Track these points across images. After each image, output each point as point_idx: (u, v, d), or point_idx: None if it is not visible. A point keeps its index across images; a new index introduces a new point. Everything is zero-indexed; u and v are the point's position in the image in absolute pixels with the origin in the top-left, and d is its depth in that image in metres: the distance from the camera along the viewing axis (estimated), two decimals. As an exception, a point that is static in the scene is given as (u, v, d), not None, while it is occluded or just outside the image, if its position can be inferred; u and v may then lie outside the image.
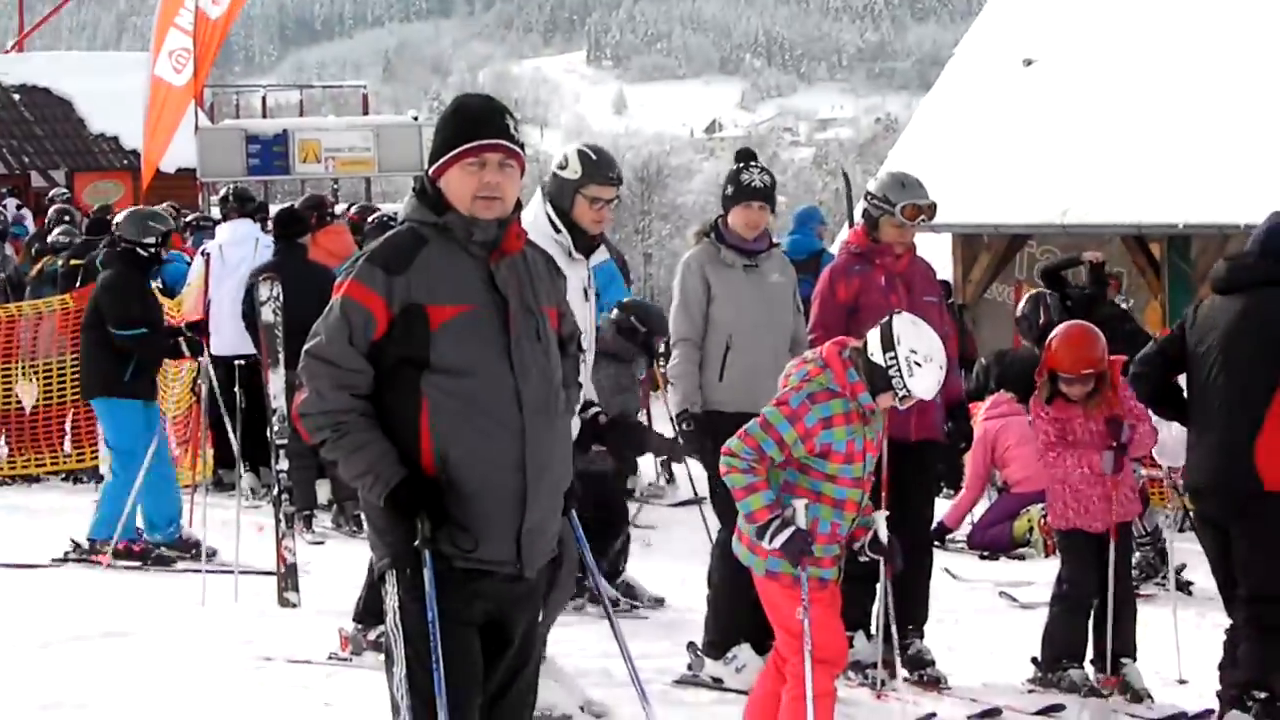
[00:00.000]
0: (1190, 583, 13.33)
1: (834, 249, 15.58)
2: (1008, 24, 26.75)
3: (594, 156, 9.20)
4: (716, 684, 10.18)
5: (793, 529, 7.65)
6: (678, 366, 10.20)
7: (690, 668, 10.35)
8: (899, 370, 7.76)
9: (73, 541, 13.89)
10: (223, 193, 18.33)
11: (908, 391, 7.78)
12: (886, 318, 8.01)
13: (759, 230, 10.39)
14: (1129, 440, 9.88)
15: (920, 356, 7.81)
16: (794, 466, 7.82)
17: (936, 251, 22.64)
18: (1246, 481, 8.90)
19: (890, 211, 10.35)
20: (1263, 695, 8.95)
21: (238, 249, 16.22)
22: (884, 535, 7.90)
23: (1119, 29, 24.98)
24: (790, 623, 7.86)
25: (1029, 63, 25.60)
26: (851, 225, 10.97)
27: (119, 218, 14.41)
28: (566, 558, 8.25)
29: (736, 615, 10.19)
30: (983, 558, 14.69)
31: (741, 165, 10.42)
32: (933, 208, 10.46)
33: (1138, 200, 22.52)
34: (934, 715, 9.86)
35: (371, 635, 10.13)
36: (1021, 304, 13.46)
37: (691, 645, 10.45)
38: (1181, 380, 9.44)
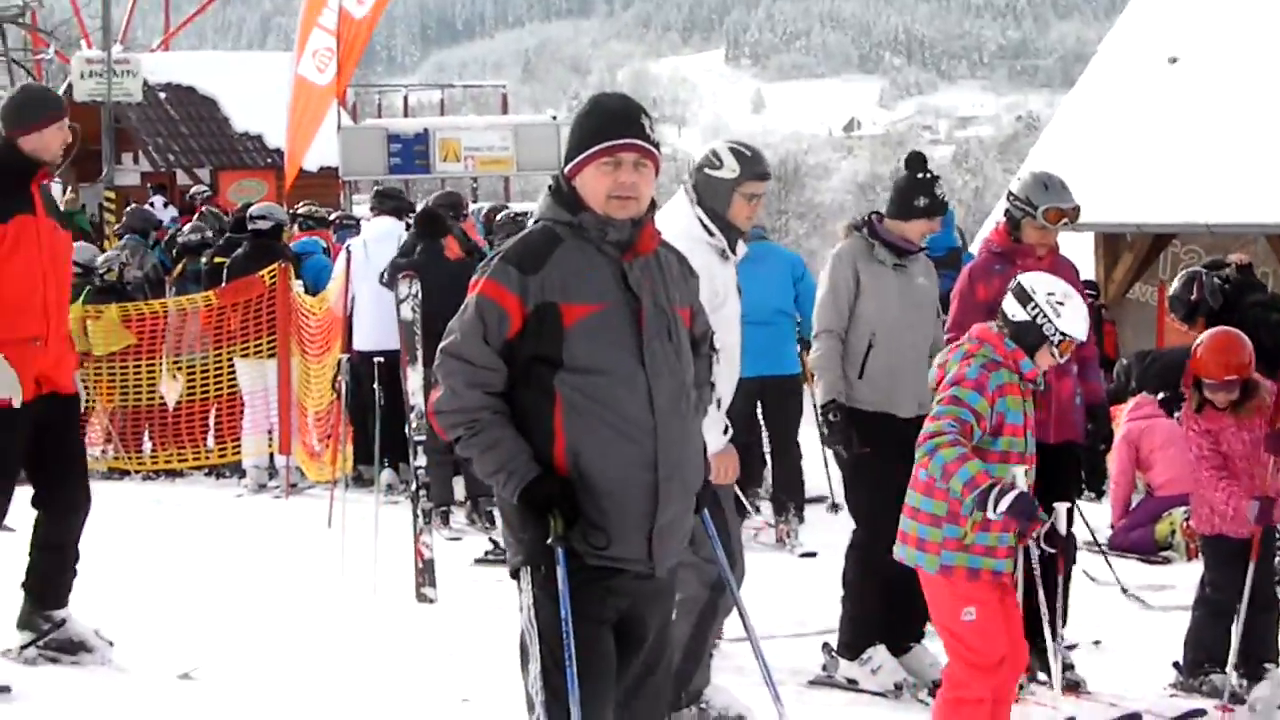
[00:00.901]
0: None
1: (973, 248, 15.52)
2: (1152, 21, 26.51)
3: (748, 153, 9.17)
4: (851, 685, 10.09)
5: (1017, 491, 7.54)
6: (822, 358, 10.13)
7: (825, 668, 10.30)
8: (1045, 315, 7.79)
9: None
10: (375, 190, 18.43)
11: (1061, 334, 7.77)
12: (1014, 280, 8.02)
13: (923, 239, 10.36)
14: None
15: (1060, 295, 7.86)
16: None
17: (1078, 250, 22.50)
18: None
19: (1032, 214, 10.26)
20: None
21: (382, 245, 16.30)
22: (1062, 528, 7.82)
23: (1265, 26, 24.71)
24: (954, 624, 7.83)
25: (1174, 60, 25.38)
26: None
27: None
28: (710, 557, 8.24)
29: (871, 616, 10.17)
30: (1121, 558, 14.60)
31: (917, 176, 10.30)
32: (1076, 211, 10.35)
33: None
34: (1074, 718, 9.81)
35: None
36: (1175, 282, 13.27)
37: (826, 646, 10.41)
38: None
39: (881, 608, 10.13)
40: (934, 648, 10.51)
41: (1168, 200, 23.28)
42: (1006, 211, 10.55)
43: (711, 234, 8.94)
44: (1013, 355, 7.80)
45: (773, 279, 14.05)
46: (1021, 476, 7.64)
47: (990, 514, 7.55)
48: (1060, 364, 8.17)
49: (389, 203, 18.17)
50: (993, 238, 10.62)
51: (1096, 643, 11.12)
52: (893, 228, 10.19)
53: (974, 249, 14.61)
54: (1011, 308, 7.89)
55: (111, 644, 10.37)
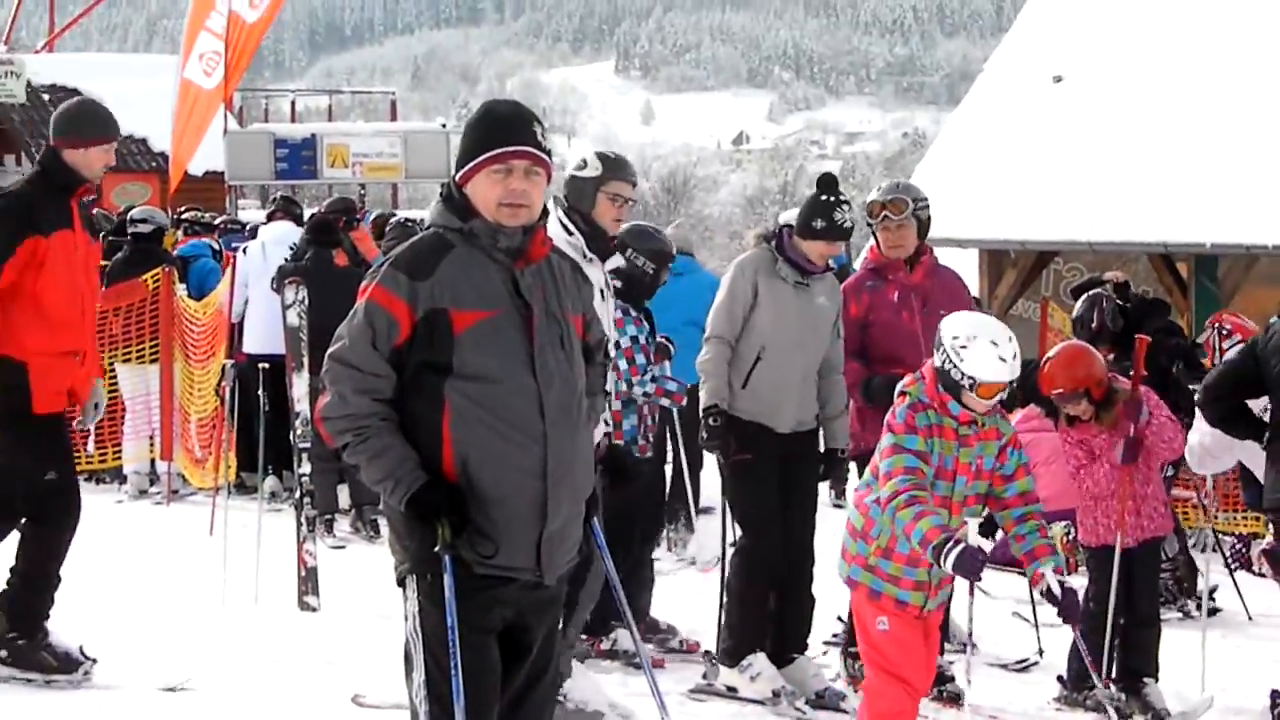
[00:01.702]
0: (1219, 608, 13.30)
1: (856, 263, 15.60)
2: (1038, 40, 26.70)
3: (612, 156, 9.45)
4: (731, 693, 10.15)
5: (962, 546, 7.53)
6: (709, 362, 10.13)
7: (705, 676, 10.33)
8: (950, 361, 7.73)
9: None
10: (275, 197, 18.36)
11: (968, 378, 7.68)
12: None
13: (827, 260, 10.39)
14: (1145, 426, 9.88)
15: (964, 338, 7.78)
16: None
17: (963, 267, 22.64)
18: None
19: (878, 222, 10.51)
20: None
21: (279, 248, 16.26)
22: (1056, 588, 7.76)
23: (1149, 47, 24.92)
24: (870, 632, 7.87)
25: (1059, 79, 25.55)
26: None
27: None
28: (594, 565, 8.24)
29: (752, 624, 10.20)
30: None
31: (830, 199, 10.31)
32: (900, 203, 10.50)
33: (1165, 219, 22.47)
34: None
35: None
36: (1079, 305, 13.32)
37: (707, 654, 10.45)
38: (1252, 403, 9.43)
39: (762, 615, 10.18)
40: (819, 660, 10.60)
41: (1051, 218, 23.44)
42: (865, 218, 10.65)
43: (570, 233, 9.08)
44: (940, 399, 7.79)
45: (689, 295, 13.98)
46: (974, 531, 7.67)
47: (942, 568, 7.58)
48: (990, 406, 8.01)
49: (291, 207, 18.14)
50: (869, 255, 10.74)
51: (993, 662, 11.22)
52: (809, 251, 10.23)
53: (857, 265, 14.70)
54: (936, 356, 7.87)
55: (94, 661, 10.24)
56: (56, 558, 10.20)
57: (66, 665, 10.08)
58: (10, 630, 10.03)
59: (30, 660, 10.01)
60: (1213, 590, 13.34)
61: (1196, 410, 10.14)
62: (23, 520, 10.17)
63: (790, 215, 11.19)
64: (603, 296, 9.11)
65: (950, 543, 7.52)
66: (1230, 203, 21.91)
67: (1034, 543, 7.86)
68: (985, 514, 8.16)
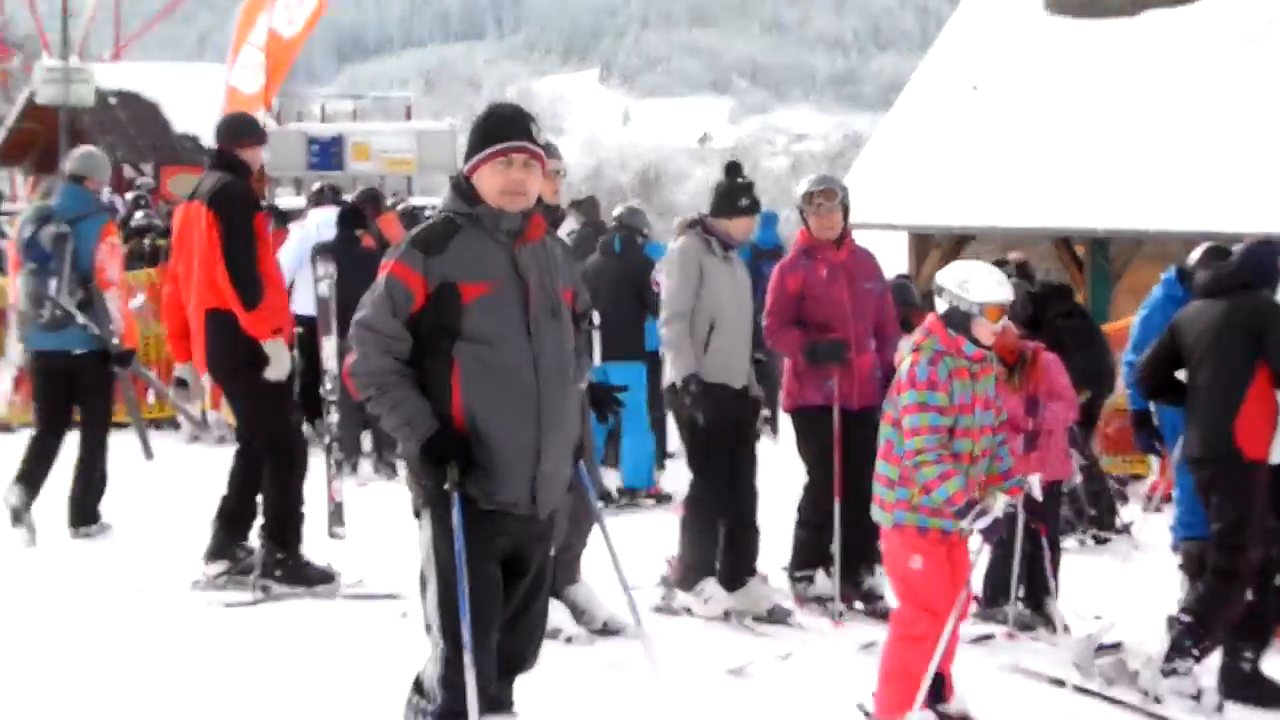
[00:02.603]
0: (1107, 538, 13.37)
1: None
2: (957, 55, 26.68)
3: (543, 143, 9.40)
4: (686, 612, 10.18)
5: (992, 517, 7.51)
6: (679, 339, 10.10)
7: (663, 599, 10.34)
8: (956, 297, 7.68)
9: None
10: (317, 186, 18.29)
11: (978, 304, 7.62)
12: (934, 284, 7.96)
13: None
14: (1039, 423, 9.92)
15: (963, 275, 7.76)
16: None
17: (893, 248, 22.67)
18: (1226, 449, 8.92)
19: (805, 205, 10.53)
20: (1187, 619, 8.95)
21: (326, 228, 16.18)
22: (1000, 511, 7.61)
23: (1051, 61, 24.95)
24: (904, 571, 7.74)
25: (975, 88, 25.55)
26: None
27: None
28: (580, 500, 8.24)
29: (704, 555, 10.23)
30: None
31: (738, 180, 10.38)
32: (830, 191, 10.53)
33: (1065, 207, 22.53)
34: (874, 644, 9.89)
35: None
36: None
37: (665, 579, 10.44)
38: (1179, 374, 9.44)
39: (712, 547, 10.20)
40: (773, 583, 10.60)
41: (969, 206, 23.46)
42: (798, 207, 10.68)
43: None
44: (954, 342, 7.69)
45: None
46: (1001, 502, 7.59)
47: (965, 526, 7.53)
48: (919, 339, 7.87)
49: (336, 195, 18.16)
50: (799, 238, 10.72)
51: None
52: (718, 225, 10.23)
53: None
54: (938, 305, 7.80)
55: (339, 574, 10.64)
56: (302, 488, 10.59)
57: (325, 578, 10.51)
58: (279, 554, 10.36)
59: (299, 576, 10.42)
60: (1127, 525, 13.41)
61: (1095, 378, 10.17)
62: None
63: None
64: None
65: (976, 508, 7.50)
66: (1121, 193, 21.96)
67: (998, 468, 7.83)
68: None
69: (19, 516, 11.99)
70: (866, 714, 8.00)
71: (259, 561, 10.43)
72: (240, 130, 10.71)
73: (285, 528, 10.45)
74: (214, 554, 10.61)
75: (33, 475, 12.14)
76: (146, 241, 19.21)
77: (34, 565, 11.39)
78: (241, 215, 10.22)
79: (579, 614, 9.56)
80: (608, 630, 9.49)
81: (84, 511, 12.30)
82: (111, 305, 12.13)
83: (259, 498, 10.60)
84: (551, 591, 9.37)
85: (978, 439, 7.71)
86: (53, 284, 11.89)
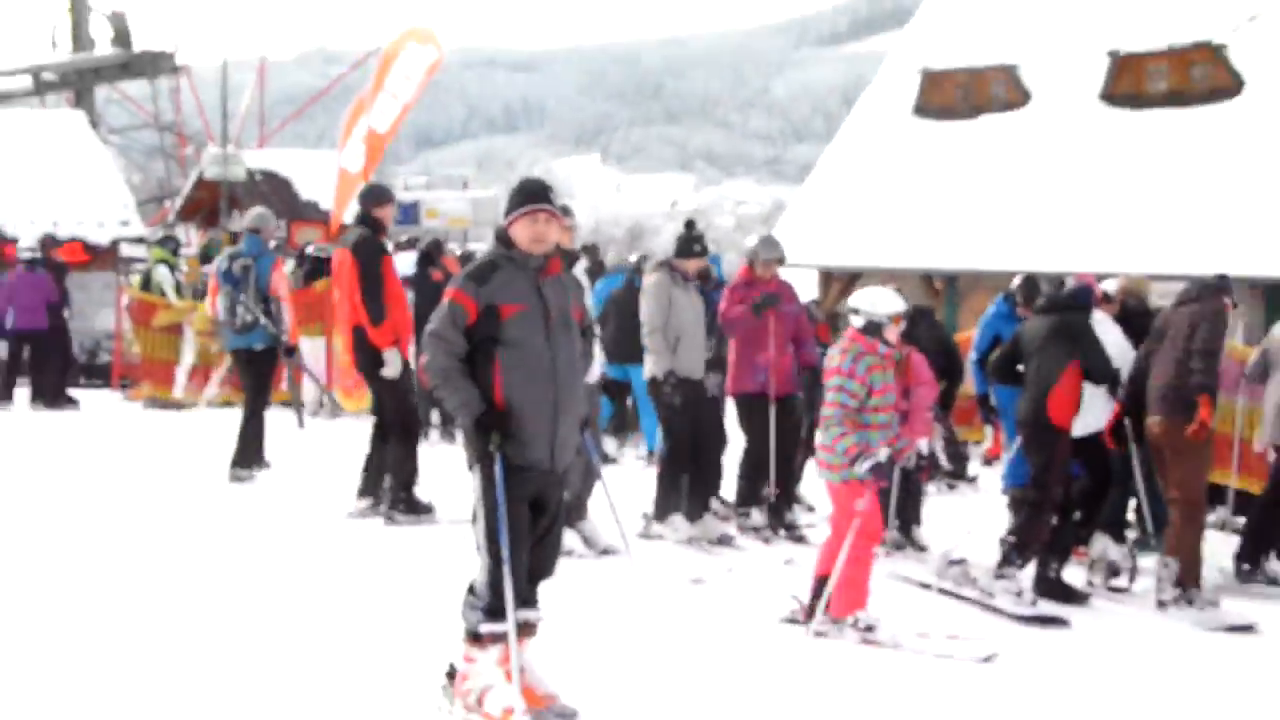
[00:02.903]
0: (953, 485, 13.37)
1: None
2: (851, 147, 26.70)
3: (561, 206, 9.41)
4: (659, 537, 10.13)
5: (874, 461, 7.47)
6: (656, 346, 10.12)
7: (644, 528, 10.31)
8: (867, 313, 7.71)
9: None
10: (403, 239, 18.31)
11: (885, 315, 7.67)
12: (847, 305, 7.97)
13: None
14: (912, 403, 9.89)
15: (871, 297, 7.78)
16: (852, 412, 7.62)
17: (807, 280, 22.66)
18: (1041, 418, 8.98)
19: (755, 260, 10.61)
20: (1012, 539, 9.00)
21: (407, 266, 16.09)
22: (883, 456, 7.57)
23: (916, 152, 24.97)
24: (852, 511, 7.59)
25: (864, 168, 25.55)
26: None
27: None
28: (585, 460, 8.21)
29: (673, 496, 10.23)
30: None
31: (693, 233, 10.47)
32: (782, 259, 10.67)
33: (927, 253, 22.56)
34: (792, 560, 9.87)
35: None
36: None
37: (645, 515, 10.42)
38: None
39: (678, 493, 10.20)
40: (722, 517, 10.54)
41: (859, 251, 23.50)
42: (749, 256, 10.68)
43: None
44: (871, 345, 7.68)
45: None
46: (884, 452, 7.55)
47: (857, 471, 7.49)
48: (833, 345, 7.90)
49: (411, 244, 18.09)
50: (742, 272, 10.74)
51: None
52: (680, 264, 10.26)
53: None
54: (854, 320, 7.80)
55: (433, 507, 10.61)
56: (416, 450, 10.68)
57: (428, 510, 10.55)
58: (401, 494, 10.44)
59: (413, 509, 10.49)
60: (973, 477, 13.43)
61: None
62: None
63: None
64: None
65: (862, 458, 7.48)
66: (965, 244, 21.98)
67: (889, 433, 7.74)
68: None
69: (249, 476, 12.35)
70: (799, 602, 7.95)
71: (387, 498, 10.51)
72: (377, 196, 10.88)
73: (404, 476, 10.48)
74: (362, 492, 10.74)
75: (247, 445, 12.43)
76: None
77: (228, 500, 11.50)
78: (372, 259, 10.40)
79: (587, 540, 9.54)
80: (606, 552, 9.46)
81: (243, 458, 12.39)
82: (284, 314, 12.40)
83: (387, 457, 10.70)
84: (568, 524, 9.42)
85: (885, 412, 7.72)
86: (242, 299, 12.20)
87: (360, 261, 10.31)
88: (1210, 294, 9.08)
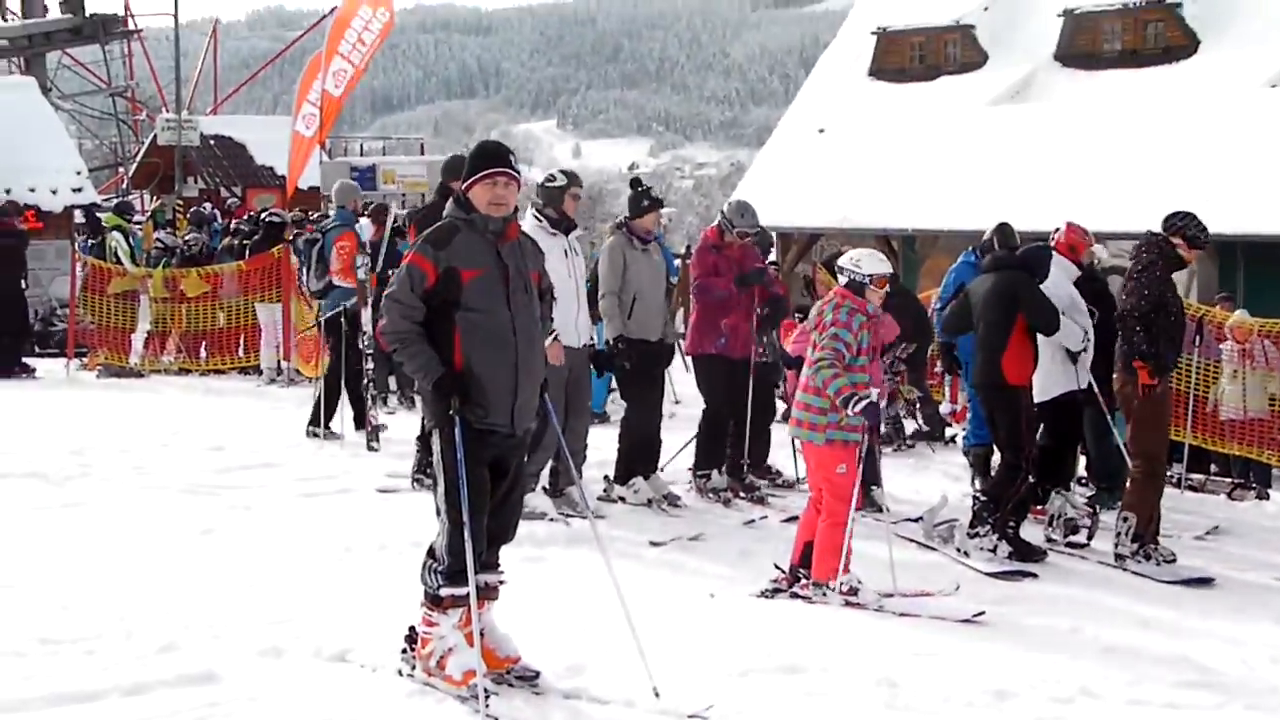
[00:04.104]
0: (912, 444, 13.41)
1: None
2: (809, 108, 26.69)
3: (572, 172, 9.71)
4: (621, 501, 10.14)
5: (868, 401, 7.41)
6: (610, 308, 10.03)
7: (605, 491, 10.27)
8: (852, 274, 7.69)
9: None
10: (373, 205, 18.12)
11: (868, 276, 7.65)
12: (837, 265, 7.95)
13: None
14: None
15: (855, 257, 7.76)
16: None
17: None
18: (998, 380, 9.02)
19: (730, 228, 10.53)
20: (984, 499, 9.10)
21: (366, 231, 15.99)
22: (874, 397, 7.51)
23: (873, 112, 25.00)
24: (832, 476, 7.59)
25: (822, 130, 25.56)
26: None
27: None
28: (544, 423, 8.19)
29: (634, 459, 10.24)
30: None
31: (640, 188, 10.41)
32: (758, 233, 10.69)
33: (884, 214, 22.61)
34: (765, 515, 9.90)
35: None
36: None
37: (606, 477, 10.39)
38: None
39: (638, 456, 10.18)
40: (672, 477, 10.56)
41: (817, 213, 23.52)
42: (718, 221, 10.64)
43: (540, 220, 9.30)
44: (859, 303, 7.66)
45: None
46: (875, 394, 7.53)
47: (849, 412, 7.46)
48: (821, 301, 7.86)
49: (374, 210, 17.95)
50: (710, 234, 10.71)
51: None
52: (635, 225, 10.20)
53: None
54: (840, 280, 7.79)
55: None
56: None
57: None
58: (425, 465, 10.09)
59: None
60: (951, 438, 13.47)
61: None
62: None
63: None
64: (565, 255, 9.26)
65: (855, 398, 7.46)
66: (922, 205, 22.02)
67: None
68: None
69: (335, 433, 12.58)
70: (780, 570, 7.93)
71: (415, 464, 10.45)
72: (454, 168, 10.25)
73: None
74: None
75: (331, 405, 12.72)
76: (236, 242, 18.96)
77: (298, 454, 11.81)
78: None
79: (572, 505, 9.47)
80: (580, 515, 9.42)
81: (316, 418, 12.71)
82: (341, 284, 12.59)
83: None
84: (553, 492, 9.43)
85: (867, 372, 7.67)
86: (303, 273, 12.64)
87: (417, 231, 10.17)
88: (1151, 250, 8.99)
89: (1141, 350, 8.77)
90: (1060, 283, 9.60)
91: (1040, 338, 9.15)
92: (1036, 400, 9.31)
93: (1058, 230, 10.08)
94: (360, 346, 12.43)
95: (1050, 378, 9.44)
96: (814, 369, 7.65)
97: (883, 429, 13.00)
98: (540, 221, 9.26)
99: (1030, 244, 9.58)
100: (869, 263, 7.74)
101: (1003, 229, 10.67)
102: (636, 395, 10.23)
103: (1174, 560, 8.86)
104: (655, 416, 10.34)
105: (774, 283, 10.93)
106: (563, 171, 9.70)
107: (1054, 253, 9.68)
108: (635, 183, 10.62)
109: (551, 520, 9.24)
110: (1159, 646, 6.99)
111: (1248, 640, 7.18)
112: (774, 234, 25.13)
